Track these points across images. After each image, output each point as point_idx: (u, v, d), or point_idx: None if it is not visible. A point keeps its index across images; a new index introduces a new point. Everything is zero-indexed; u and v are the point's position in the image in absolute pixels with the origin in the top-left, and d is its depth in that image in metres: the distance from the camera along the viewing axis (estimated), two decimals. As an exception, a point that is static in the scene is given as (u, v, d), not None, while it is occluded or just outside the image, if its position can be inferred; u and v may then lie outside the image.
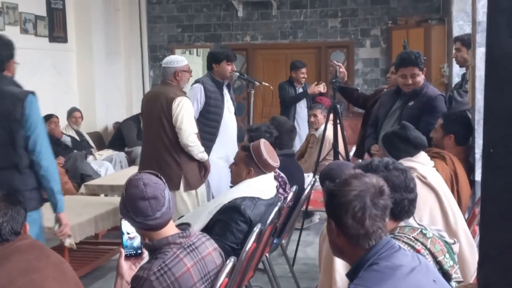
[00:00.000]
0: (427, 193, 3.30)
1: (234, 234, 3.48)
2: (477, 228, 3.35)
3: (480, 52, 4.33)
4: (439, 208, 3.29)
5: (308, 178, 6.27)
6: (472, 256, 3.08)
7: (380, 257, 2.03)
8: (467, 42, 5.05)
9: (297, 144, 8.14)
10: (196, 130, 5.00)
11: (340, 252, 2.16)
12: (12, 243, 2.38)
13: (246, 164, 3.77)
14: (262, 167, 3.75)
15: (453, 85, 7.82)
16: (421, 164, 3.47)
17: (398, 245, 2.11)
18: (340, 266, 2.85)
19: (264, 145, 3.81)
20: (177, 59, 5.11)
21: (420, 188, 3.25)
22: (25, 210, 2.51)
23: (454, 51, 5.35)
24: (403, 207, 2.51)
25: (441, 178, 3.50)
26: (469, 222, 3.73)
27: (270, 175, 3.87)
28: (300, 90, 8.24)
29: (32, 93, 3.55)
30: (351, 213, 2.02)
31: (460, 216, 3.34)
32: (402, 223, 2.57)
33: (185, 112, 4.91)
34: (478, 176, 4.40)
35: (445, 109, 4.73)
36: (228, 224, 3.50)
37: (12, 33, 7.67)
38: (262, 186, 3.74)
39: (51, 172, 3.56)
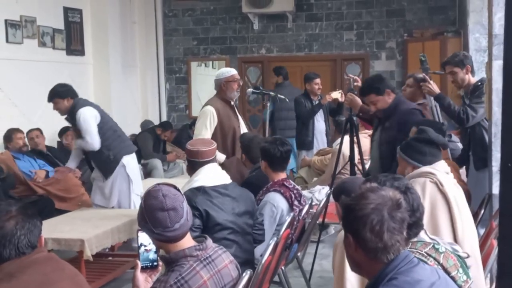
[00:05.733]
0: (442, 200, 3.27)
1: None
2: (495, 242, 3.31)
3: (497, 65, 4.32)
4: (448, 218, 3.23)
5: (324, 190, 6.26)
6: (478, 274, 3.02)
7: (399, 271, 2.01)
8: (458, 62, 4.87)
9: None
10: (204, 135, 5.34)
11: (358, 267, 2.14)
12: (28, 256, 2.35)
13: (188, 165, 4.09)
14: (194, 160, 3.97)
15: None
16: (441, 172, 3.43)
17: (417, 259, 2.09)
18: (351, 276, 2.83)
19: (189, 143, 4.12)
20: (223, 72, 5.51)
21: (437, 195, 3.25)
22: (41, 222, 2.48)
23: (448, 76, 5.06)
24: None
25: (460, 190, 3.45)
26: (487, 236, 3.69)
27: (212, 165, 4.02)
28: (317, 102, 7.97)
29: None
30: (369, 226, 2.01)
31: (469, 234, 3.24)
32: (414, 238, 2.55)
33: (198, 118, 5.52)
34: (495, 189, 4.37)
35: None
36: None
37: (30, 46, 7.76)
38: (203, 176, 3.91)
39: None
